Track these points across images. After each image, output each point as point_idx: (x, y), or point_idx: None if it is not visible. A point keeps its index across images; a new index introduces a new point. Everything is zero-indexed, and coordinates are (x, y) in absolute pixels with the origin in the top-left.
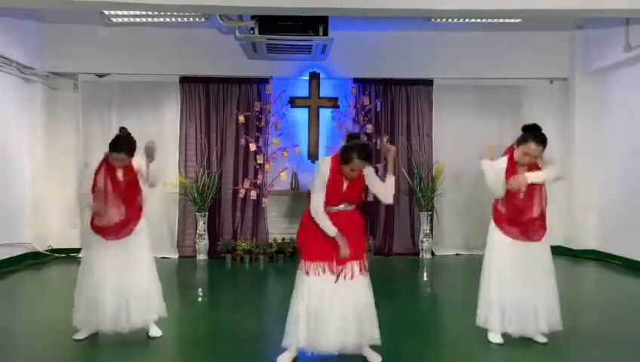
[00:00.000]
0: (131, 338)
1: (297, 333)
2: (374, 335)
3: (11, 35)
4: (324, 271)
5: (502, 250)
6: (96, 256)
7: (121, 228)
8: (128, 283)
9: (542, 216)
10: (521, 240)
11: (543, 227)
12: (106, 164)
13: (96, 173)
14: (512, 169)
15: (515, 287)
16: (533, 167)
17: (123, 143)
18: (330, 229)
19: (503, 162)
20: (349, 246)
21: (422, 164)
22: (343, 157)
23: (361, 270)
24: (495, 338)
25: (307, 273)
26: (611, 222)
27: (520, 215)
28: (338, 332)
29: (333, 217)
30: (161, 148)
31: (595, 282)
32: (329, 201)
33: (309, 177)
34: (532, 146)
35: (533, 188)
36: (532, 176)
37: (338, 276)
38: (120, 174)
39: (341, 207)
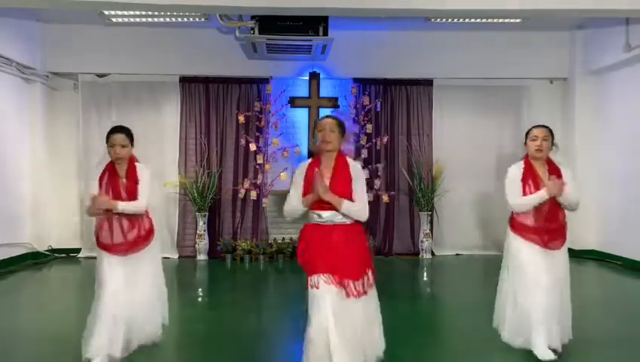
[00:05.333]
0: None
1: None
2: (377, 353)
3: (11, 35)
4: (322, 284)
5: (528, 257)
6: (104, 271)
7: (129, 246)
8: (131, 303)
9: (564, 224)
10: (545, 249)
11: (565, 235)
12: (109, 170)
13: (100, 181)
14: (529, 170)
15: (549, 297)
16: (551, 165)
17: (119, 126)
18: (301, 204)
19: (516, 169)
20: (344, 265)
21: (422, 164)
22: (313, 130)
23: (358, 292)
24: (546, 354)
25: (311, 287)
26: (611, 222)
27: (546, 224)
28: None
29: (320, 230)
30: (161, 148)
31: (595, 282)
32: (312, 205)
33: None
34: (535, 131)
35: (557, 202)
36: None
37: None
38: (123, 181)
39: (326, 216)
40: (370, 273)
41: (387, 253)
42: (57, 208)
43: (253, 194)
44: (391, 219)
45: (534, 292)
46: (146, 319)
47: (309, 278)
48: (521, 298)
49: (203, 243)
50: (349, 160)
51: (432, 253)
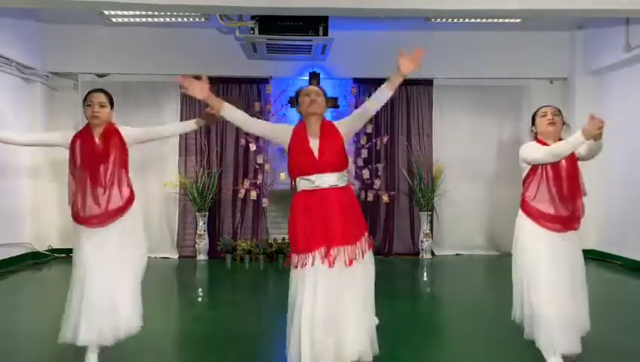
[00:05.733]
0: (130, 339)
1: (296, 350)
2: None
3: (11, 35)
4: (313, 263)
5: (542, 246)
6: (80, 249)
7: (107, 214)
8: (112, 283)
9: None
10: (562, 232)
11: (580, 216)
12: (82, 131)
13: (72, 142)
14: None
15: (569, 293)
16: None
17: (98, 88)
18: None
19: (536, 143)
20: (339, 226)
21: (422, 164)
22: (295, 100)
23: (358, 255)
24: None
25: (295, 266)
26: (611, 222)
27: (566, 206)
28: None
29: (314, 196)
30: (161, 148)
31: (594, 282)
32: (302, 169)
33: None
34: (543, 109)
35: (575, 174)
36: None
37: (331, 260)
38: (97, 140)
39: (319, 181)
40: (367, 235)
41: (387, 253)
42: (57, 208)
43: (253, 194)
44: (391, 219)
45: (550, 302)
46: (128, 304)
47: (297, 256)
48: (534, 299)
49: (203, 243)
50: (334, 122)
51: (432, 253)
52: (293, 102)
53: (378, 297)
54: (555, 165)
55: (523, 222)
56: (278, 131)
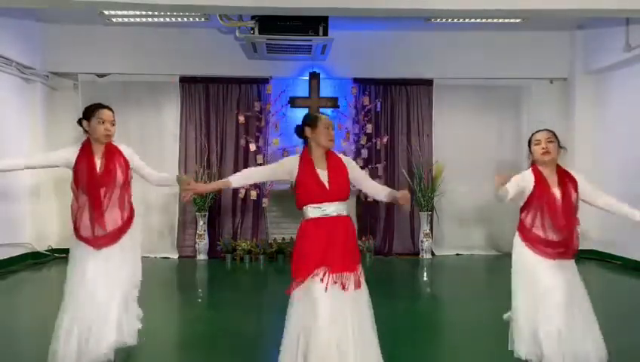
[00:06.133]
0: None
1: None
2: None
3: (11, 35)
4: (321, 280)
5: (542, 273)
6: (79, 267)
7: (109, 236)
8: (104, 306)
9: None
10: (559, 259)
11: (576, 243)
12: (83, 150)
13: (76, 164)
14: (538, 177)
15: (567, 315)
16: (560, 171)
17: (103, 103)
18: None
19: (527, 174)
20: (341, 253)
21: (422, 164)
22: (310, 123)
23: (355, 285)
24: None
25: (295, 289)
26: (611, 222)
27: (561, 234)
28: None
29: (322, 223)
30: (161, 148)
31: (595, 282)
32: (312, 198)
33: None
34: (537, 135)
35: (570, 206)
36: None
37: (337, 283)
38: (99, 162)
39: (329, 209)
40: (360, 269)
41: (387, 253)
42: (57, 208)
43: (253, 194)
44: (391, 219)
45: (547, 319)
46: (107, 320)
47: (303, 281)
48: (532, 316)
49: (203, 243)
50: (338, 154)
51: (432, 253)
52: (294, 102)
53: (378, 297)
54: (550, 200)
55: (520, 249)
56: (285, 167)
